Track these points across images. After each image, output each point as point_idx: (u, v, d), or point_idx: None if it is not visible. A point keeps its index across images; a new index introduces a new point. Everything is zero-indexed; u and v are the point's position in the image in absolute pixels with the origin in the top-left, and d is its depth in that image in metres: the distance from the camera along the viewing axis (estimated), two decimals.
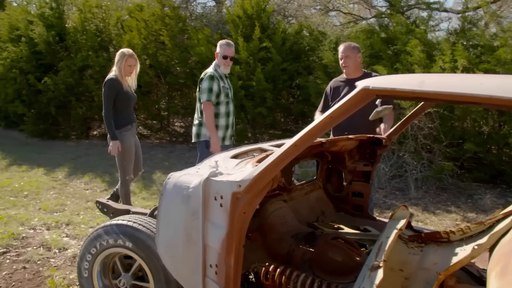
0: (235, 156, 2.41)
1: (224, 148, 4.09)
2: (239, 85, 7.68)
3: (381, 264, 1.93)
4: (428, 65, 6.58)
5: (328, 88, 3.92)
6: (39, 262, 3.44)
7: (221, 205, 1.89)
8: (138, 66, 4.38)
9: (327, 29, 11.38)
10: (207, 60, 7.89)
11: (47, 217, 4.47)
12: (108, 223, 2.48)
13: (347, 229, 2.99)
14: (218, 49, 4.11)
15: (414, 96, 1.52)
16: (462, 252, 2.47)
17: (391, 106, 2.23)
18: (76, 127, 9.53)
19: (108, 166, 6.85)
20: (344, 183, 3.41)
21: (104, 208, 3.13)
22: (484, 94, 1.41)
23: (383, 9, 9.81)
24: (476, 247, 2.24)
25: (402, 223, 2.38)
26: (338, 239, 2.59)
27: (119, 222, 2.44)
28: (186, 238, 2.01)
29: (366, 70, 3.81)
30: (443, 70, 6.33)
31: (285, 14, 10.89)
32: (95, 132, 9.92)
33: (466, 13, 7.36)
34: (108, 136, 4.16)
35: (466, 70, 5.90)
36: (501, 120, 6.51)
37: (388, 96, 1.58)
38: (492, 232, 2.32)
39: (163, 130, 9.77)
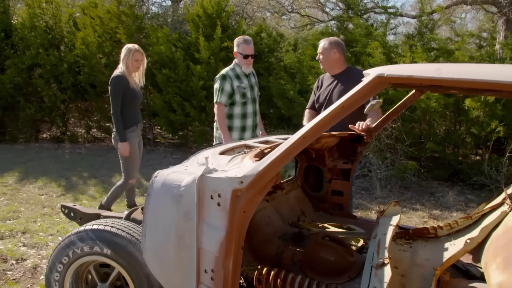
0: (222, 153, 2.26)
1: None
2: (200, 85, 7.49)
3: (386, 262, 1.86)
4: None
5: (315, 85, 3.87)
6: None
7: (218, 204, 1.73)
8: (145, 61, 4.18)
9: (284, 31, 11.45)
10: (167, 59, 7.65)
11: None
12: (82, 228, 2.24)
13: (332, 228, 2.91)
14: (236, 48, 3.87)
15: (431, 84, 1.45)
16: (453, 246, 2.45)
17: (381, 100, 2.17)
18: (24, 129, 8.92)
19: (63, 170, 6.43)
20: (324, 182, 3.34)
21: (70, 213, 2.86)
22: (506, 80, 1.37)
23: (341, 13, 9.97)
24: (468, 241, 2.23)
25: (396, 219, 2.33)
26: (327, 238, 2.51)
27: (95, 227, 2.21)
28: (177, 242, 1.84)
29: (350, 65, 3.75)
30: None
31: (243, 15, 10.82)
32: (45, 135, 9.33)
33: (422, 18, 7.59)
34: (113, 136, 4.03)
35: None
36: (457, 120, 6.75)
37: (403, 85, 1.51)
38: (482, 226, 2.31)
39: None
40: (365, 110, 2.29)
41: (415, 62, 6.44)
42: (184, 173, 1.92)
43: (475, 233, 2.39)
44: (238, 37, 3.91)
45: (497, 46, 7.50)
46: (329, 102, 3.57)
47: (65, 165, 6.79)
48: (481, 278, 2.48)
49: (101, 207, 4.20)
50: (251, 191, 1.67)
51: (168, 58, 7.59)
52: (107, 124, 8.98)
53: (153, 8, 12.62)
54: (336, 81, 3.58)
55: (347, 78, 3.49)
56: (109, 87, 3.95)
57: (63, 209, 2.91)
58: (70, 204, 2.90)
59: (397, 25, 8.17)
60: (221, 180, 1.73)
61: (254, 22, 11.12)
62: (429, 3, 8.01)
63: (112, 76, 3.97)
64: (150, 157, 7.62)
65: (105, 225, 2.21)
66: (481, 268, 2.52)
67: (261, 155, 2.00)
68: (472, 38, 7.44)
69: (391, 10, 8.51)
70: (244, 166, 1.76)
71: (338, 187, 3.33)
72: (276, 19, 15.25)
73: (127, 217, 2.48)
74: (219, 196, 1.73)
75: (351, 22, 8.90)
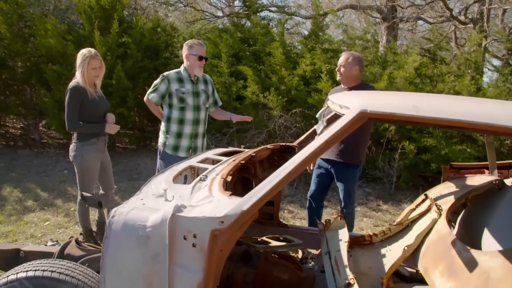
0: (175, 178, 2.12)
1: (178, 160, 3.60)
2: None
3: (352, 282, 1.93)
4: (290, 67, 6.94)
5: (326, 98, 3.90)
6: None
7: (194, 245, 1.62)
8: (104, 67, 3.66)
9: (177, 25, 11.16)
10: (58, 54, 6.93)
11: None
12: (12, 277, 1.92)
13: (273, 242, 2.93)
14: (188, 50, 3.66)
15: (409, 121, 1.53)
16: (390, 253, 2.63)
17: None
18: None
19: None
20: None
21: None
22: (473, 120, 1.49)
23: (237, 9, 10.04)
24: (406, 248, 2.41)
25: (345, 234, 2.42)
26: (275, 255, 2.52)
27: (30, 273, 1.91)
28: None
29: (363, 81, 3.86)
30: (305, 72, 6.76)
31: (135, 7, 10.25)
32: None
33: (317, 19, 7.98)
34: (71, 147, 3.61)
35: (328, 73, 6.40)
36: None
37: (383, 120, 1.56)
38: (416, 233, 2.52)
39: None
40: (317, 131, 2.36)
41: (314, 63, 6.77)
42: (145, 210, 1.76)
43: (409, 239, 2.61)
44: (189, 40, 3.77)
45: (381, 49, 8.24)
46: None
47: None
48: (412, 279, 2.73)
49: (85, 233, 3.79)
50: (231, 230, 1.60)
51: (58, 53, 6.88)
52: None
53: None
54: None
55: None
56: (65, 99, 3.49)
57: None
58: None
59: (294, 25, 8.46)
60: (197, 220, 1.61)
61: (146, 14, 10.62)
62: (321, 5, 8.44)
63: (68, 87, 3.49)
64: (41, 162, 6.89)
65: (42, 270, 1.92)
66: (408, 268, 2.77)
67: (225, 184, 1.92)
68: (358, 40, 8.01)
69: (288, 11, 8.82)
70: (220, 203, 1.67)
71: None
72: (164, 11, 14.78)
73: (61, 255, 2.20)
74: (194, 236, 1.62)
75: (248, 20, 9.02)
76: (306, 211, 4.13)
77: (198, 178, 2.05)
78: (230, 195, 1.71)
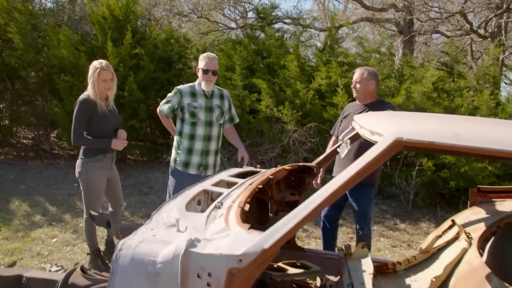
0: (187, 205, 1.98)
1: (189, 178, 3.52)
2: None
3: None
4: (305, 80, 6.81)
5: (342, 113, 3.82)
6: None
7: (208, 285, 1.47)
8: (116, 79, 3.52)
9: (190, 36, 11.14)
10: (70, 65, 6.88)
11: None
12: None
13: (291, 269, 2.76)
14: (199, 64, 3.58)
15: (451, 151, 1.37)
16: (415, 283, 2.46)
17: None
18: None
19: None
20: (270, 214, 3.19)
21: None
22: None
23: (251, 21, 9.95)
24: (434, 279, 2.25)
25: (369, 265, 2.24)
26: (294, 285, 2.36)
27: None
28: None
29: (380, 98, 3.72)
30: (320, 86, 6.61)
31: (149, 18, 10.24)
32: None
33: (333, 32, 7.86)
34: (77, 163, 3.49)
35: (345, 87, 6.25)
36: None
37: (421, 149, 1.40)
38: (444, 263, 2.35)
39: (6, 143, 8.25)
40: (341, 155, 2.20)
41: (330, 76, 6.63)
42: (155, 242, 1.61)
43: (437, 269, 2.43)
44: (203, 53, 3.64)
45: (397, 62, 8.08)
46: None
47: None
48: None
49: (92, 252, 3.65)
50: (250, 269, 1.44)
51: (71, 64, 6.83)
52: None
53: (48, 3, 11.36)
54: (367, 110, 3.53)
55: (379, 110, 3.42)
56: (74, 111, 3.39)
57: None
58: None
59: (308, 38, 8.34)
60: (213, 258, 1.46)
61: (159, 25, 10.61)
62: (336, 18, 8.32)
63: (78, 99, 3.38)
64: (50, 174, 6.80)
65: None
66: None
67: (243, 215, 1.77)
68: (374, 53, 7.86)
69: (304, 23, 8.70)
70: (238, 239, 1.51)
71: None
72: (178, 21, 14.80)
73: (65, 283, 2.06)
74: (209, 275, 1.47)
75: (262, 32, 8.94)
76: (321, 232, 3.96)
77: (213, 205, 1.90)
78: (249, 228, 1.56)
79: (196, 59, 8.68)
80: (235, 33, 10.58)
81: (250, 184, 2.29)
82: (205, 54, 3.62)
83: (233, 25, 12.81)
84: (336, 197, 1.45)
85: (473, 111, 6.40)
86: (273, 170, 2.78)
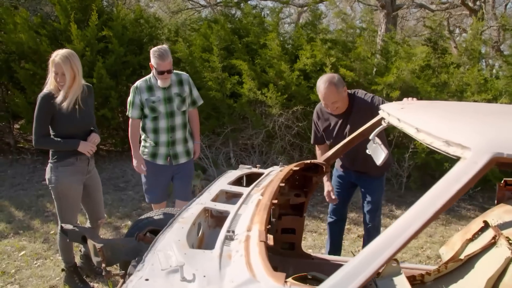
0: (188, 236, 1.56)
1: (158, 168, 3.54)
2: None
3: None
4: (288, 60, 6.38)
5: (315, 118, 3.30)
6: None
7: None
8: (72, 73, 2.84)
9: (161, 16, 10.50)
10: (30, 51, 6.22)
11: None
12: None
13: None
14: (151, 60, 3.29)
15: None
16: None
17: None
18: None
19: None
20: (273, 220, 2.80)
21: None
22: None
23: None
24: None
25: (404, 284, 1.89)
26: None
27: None
28: None
29: (349, 92, 3.13)
30: (305, 66, 6.20)
31: None
32: None
33: (312, 7, 7.42)
34: (48, 167, 2.99)
35: (333, 66, 5.87)
36: None
37: None
38: (487, 276, 2.04)
39: None
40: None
41: (315, 55, 6.21)
42: None
43: (475, 281, 2.11)
44: (154, 48, 3.28)
45: (379, 39, 7.72)
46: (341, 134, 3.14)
47: None
48: None
49: (67, 269, 3.19)
50: None
51: (31, 50, 6.16)
52: None
53: None
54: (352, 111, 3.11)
55: (363, 105, 3.07)
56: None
57: None
58: None
59: (289, 14, 7.87)
60: None
61: (127, 5, 9.89)
62: None
63: (39, 95, 2.87)
64: (15, 172, 6.22)
65: None
66: None
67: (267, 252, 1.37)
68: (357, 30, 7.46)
69: None
70: None
71: (289, 224, 2.83)
72: (146, 0, 14.00)
73: None
74: None
75: (238, 9, 8.40)
76: (327, 227, 3.63)
77: (223, 236, 1.49)
78: (286, 281, 1.16)
79: (168, 40, 8.13)
80: (208, 12, 9.98)
81: (261, 199, 1.88)
82: (156, 50, 3.26)
83: (203, 2, 12.15)
84: (414, 238, 1.07)
85: (463, 88, 6.16)
86: (280, 174, 2.38)
